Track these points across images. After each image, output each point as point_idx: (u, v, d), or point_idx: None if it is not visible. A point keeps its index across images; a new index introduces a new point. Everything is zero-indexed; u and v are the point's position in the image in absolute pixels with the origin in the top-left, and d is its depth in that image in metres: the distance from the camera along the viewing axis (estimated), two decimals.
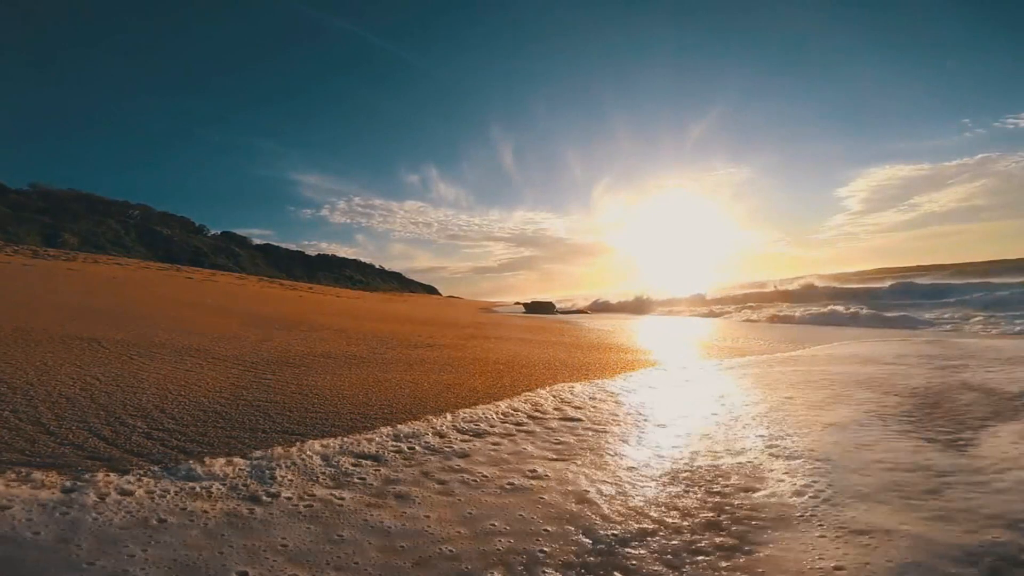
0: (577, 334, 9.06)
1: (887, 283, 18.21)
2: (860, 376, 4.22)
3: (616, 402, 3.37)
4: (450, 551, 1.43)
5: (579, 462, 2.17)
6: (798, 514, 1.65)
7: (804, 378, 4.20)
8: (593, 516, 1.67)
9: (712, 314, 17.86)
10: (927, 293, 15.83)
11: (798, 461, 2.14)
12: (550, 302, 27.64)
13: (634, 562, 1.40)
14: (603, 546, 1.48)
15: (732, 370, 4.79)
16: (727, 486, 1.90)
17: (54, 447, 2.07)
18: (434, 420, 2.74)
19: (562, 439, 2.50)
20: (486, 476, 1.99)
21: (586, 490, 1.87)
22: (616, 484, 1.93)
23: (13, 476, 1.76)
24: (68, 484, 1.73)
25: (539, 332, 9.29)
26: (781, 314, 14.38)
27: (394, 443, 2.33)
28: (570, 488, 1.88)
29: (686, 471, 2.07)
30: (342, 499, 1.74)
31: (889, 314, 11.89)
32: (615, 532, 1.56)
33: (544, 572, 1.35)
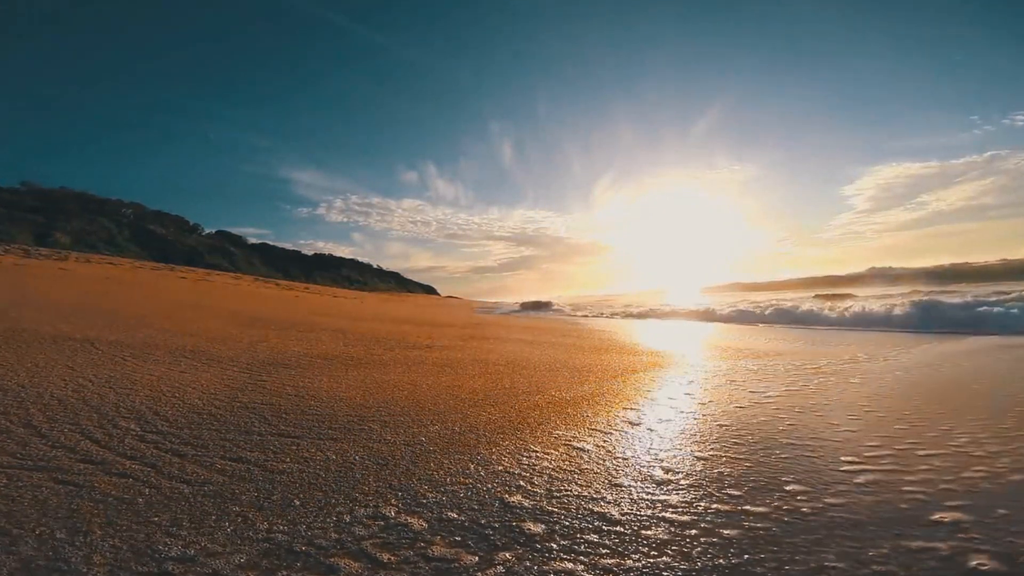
0: (577, 335, 9.04)
1: None
2: None
3: None
4: None
5: None
6: None
7: None
8: None
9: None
10: None
11: None
12: (549, 301, 30.80)
13: None
14: None
15: None
16: None
17: (46, 450, 2.03)
18: None
19: None
20: None
21: None
22: None
23: None
24: None
25: (538, 333, 9.27)
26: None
27: None
28: None
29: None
30: None
31: None
32: None
33: None
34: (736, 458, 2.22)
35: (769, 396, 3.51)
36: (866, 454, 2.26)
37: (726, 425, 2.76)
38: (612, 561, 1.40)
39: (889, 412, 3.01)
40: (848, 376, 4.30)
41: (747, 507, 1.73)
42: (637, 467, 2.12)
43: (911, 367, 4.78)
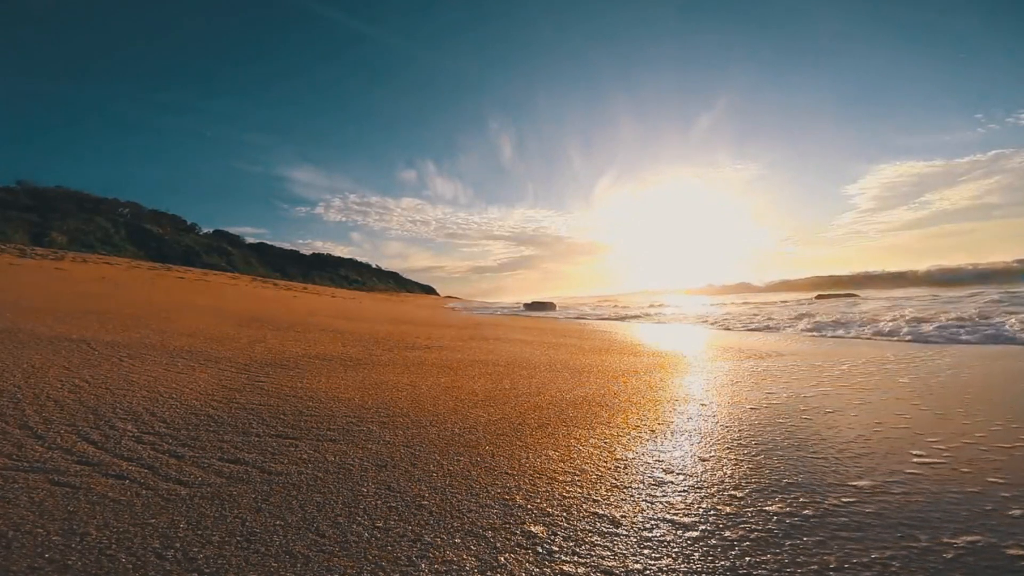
0: (578, 335, 9.04)
1: None
2: None
3: None
4: None
5: None
6: None
7: None
8: None
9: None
10: None
11: None
12: (552, 302, 31.05)
13: None
14: None
15: None
16: None
17: (42, 451, 2.01)
18: None
19: None
20: None
21: None
22: None
23: None
24: None
25: (539, 333, 9.26)
26: None
27: None
28: None
29: None
30: None
31: None
32: None
33: None
34: (739, 460, 2.22)
35: (796, 396, 3.50)
36: (935, 446, 2.33)
37: (728, 427, 2.76)
38: (614, 563, 1.39)
39: (947, 409, 3.03)
40: (894, 375, 4.23)
41: (763, 507, 1.72)
42: (639, 468, 2.12)
43: (957, 367, 4.63)
